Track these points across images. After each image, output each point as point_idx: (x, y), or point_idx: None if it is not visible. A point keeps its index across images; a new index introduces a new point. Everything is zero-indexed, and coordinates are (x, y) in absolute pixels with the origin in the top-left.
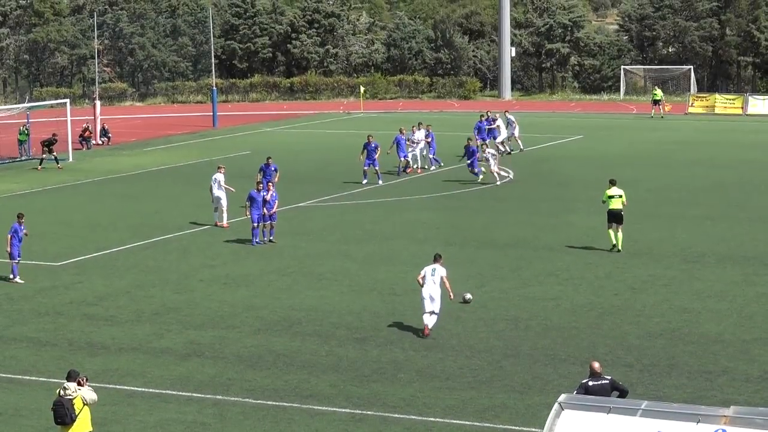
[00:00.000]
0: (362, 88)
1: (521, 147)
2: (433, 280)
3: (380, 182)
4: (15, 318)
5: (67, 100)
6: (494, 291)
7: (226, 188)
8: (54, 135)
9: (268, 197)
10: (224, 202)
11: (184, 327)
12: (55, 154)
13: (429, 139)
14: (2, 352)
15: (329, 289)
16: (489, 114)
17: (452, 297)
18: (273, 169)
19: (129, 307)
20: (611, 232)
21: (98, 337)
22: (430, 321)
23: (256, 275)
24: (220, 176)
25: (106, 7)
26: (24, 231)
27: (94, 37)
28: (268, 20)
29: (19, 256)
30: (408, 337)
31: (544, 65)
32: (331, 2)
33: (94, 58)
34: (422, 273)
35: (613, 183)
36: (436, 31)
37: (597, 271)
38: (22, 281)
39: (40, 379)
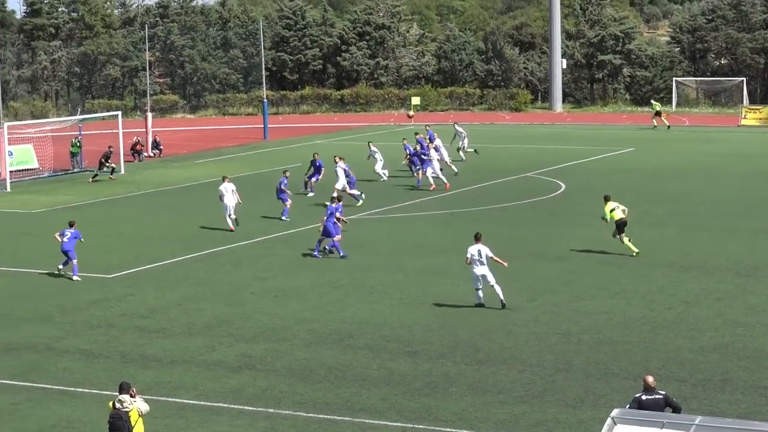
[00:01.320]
0: (413, 100)
1: (463, 158)
2: (480, 260)
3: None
4: (68, 330)
5: (119, 113)
6: (546, 304)
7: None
8: (110, 147)
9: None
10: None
11: (236, 340)
12: (113, 165)
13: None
14: (55, 364)
15: (381, 302)
16: (427, 129)
17: (507, 266)
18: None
19: (181, 320)
20: (626, 239)
21: (150, 350)
22: (499, 292)
23: (307, 288)
24: (230, 185)
25: (157, 19)
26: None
27: (145, 50)
28: (318, 32)
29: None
30: (460, 350)
31: (595, 77)
32: (381, 14)
33: (146, 71)
34: (468, 255)
35: (607, 199)
36: (487, 43)
37: (649, 284)
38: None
39: (93, 391)
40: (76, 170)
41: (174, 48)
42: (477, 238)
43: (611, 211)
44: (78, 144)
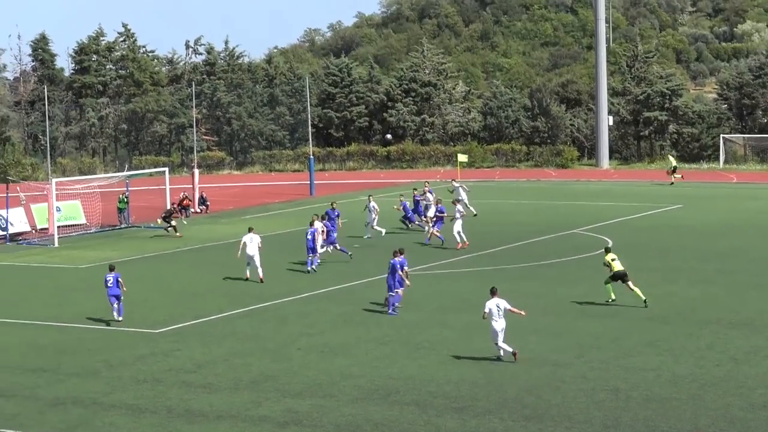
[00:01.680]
0: (460, 156)
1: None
2: (500, 313)
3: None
4: (114, 385)
5: (166, 169)
6: (593, 361)
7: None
8: (173, 204)
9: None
10: (257, 260)
11: (282, 395)
12: (174, 223)
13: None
14: (101, 418)
15: (427, 358)
16: (426, 187)
17: (524, 314)
18: (336, 214)
19: (227, 375)
20: (610, 286)
21: (196, 405)
22: (506, 347)
23: (353, 344)
24: (256, 237)
25: (204, 76)
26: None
27: (192, 107)
28: (364, 89)
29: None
30: (507, 407)
31: (641, 134)
32: (427, 71)
33: (193, 127)
34: (487, 309)
35: (608, 250)
36: (533, 100)
37: (698, 341)
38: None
39: None
40: (123, 226)
41: (221, 105)
42: (493, 293)
43: (612, 260)
44: (125, 200)
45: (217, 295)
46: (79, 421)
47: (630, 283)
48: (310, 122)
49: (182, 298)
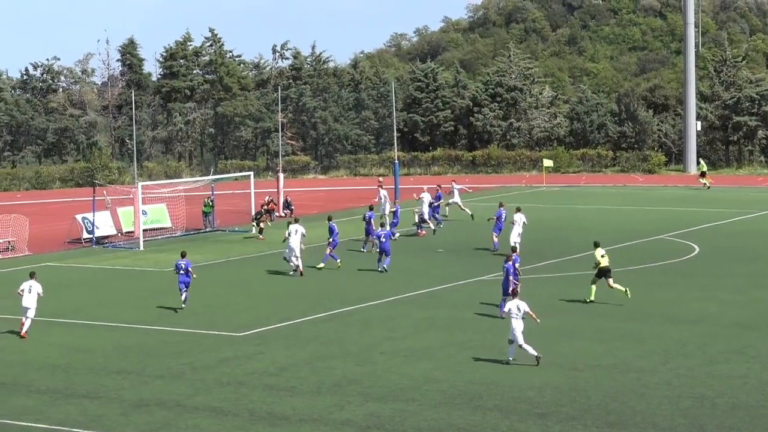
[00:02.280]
0: (545, 162)
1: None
2: (520, 315)
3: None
4: (198, 387)
5: (251, 173)
6: (679, 368)
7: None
8: (263, 205)
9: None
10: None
11: (365, 399)
12: (261, 225)
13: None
14: (185, 420)
15: (511, 363)
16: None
17: (539, 322)
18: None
19: (310, 378)
20: (595, 287)
21: (279, 408)
22: (530, 348)
23: (437, 348)
24: (300, 228)
25: (290, 81)
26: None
27: (278, 111)
28: (450, 94)
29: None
30: (590, 413)
31: (730, 139)
32: (514, 76)
33: (278, 132)
34: (506, 309)
35: (597, 245)
36: (620, 105)
37: None
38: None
39: None
40: (208, 230)
41: (306, 109)
42: (514, 294)
43: (601, 256)
44: (210, 204)
45: (301, 298)
46: (163, 423)
47: (611, 280)
48: (395, 126)
49: (266, 301)
